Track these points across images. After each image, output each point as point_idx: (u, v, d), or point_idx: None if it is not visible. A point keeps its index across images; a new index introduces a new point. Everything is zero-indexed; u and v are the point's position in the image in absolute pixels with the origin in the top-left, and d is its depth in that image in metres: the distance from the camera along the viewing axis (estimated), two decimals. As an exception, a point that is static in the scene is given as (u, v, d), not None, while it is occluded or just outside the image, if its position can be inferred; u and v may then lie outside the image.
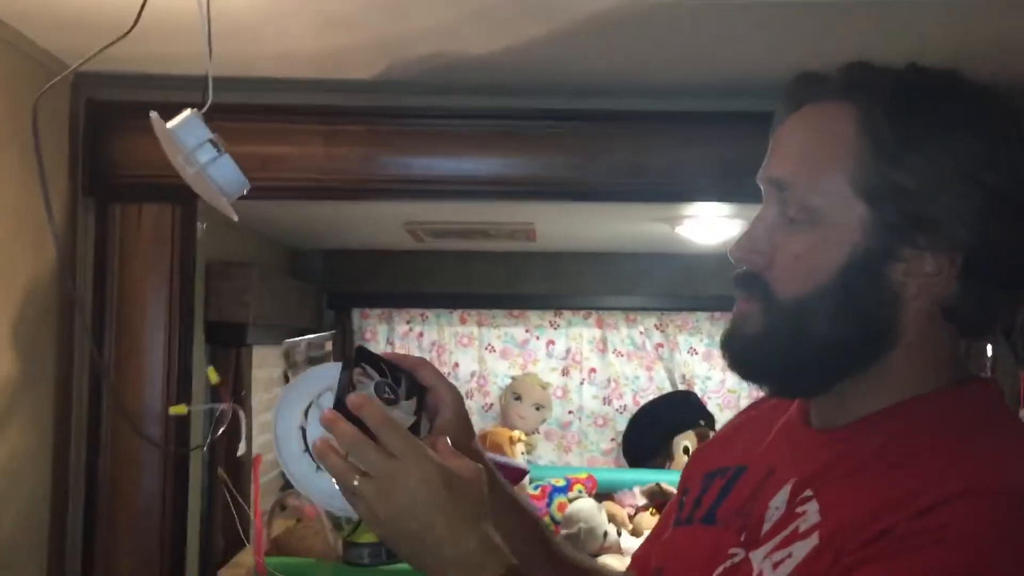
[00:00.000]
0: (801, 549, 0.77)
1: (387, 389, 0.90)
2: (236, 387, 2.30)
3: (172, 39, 1.65)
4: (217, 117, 1.96)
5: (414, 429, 0.89)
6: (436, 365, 3.33)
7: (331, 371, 0.94)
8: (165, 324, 2.03)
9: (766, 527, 0.83)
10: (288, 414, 0.92)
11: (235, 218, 1.14)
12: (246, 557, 1.97)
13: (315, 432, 0.88)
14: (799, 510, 0.80)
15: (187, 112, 1.09)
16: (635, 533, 2.55)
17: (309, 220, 2.72)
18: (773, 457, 0.90)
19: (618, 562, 2.30)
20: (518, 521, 1.00)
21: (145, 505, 1.99)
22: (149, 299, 2.03)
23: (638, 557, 1.11)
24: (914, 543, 0.71)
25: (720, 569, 0.84)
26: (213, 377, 1.27)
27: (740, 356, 0.88)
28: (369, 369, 0.91)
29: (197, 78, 1.90)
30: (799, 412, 0.92)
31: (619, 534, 2.50)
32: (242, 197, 2.14)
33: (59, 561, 1.94)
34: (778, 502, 0.83)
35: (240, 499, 2.29)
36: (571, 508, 2.50)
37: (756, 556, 0.81)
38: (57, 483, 1.92)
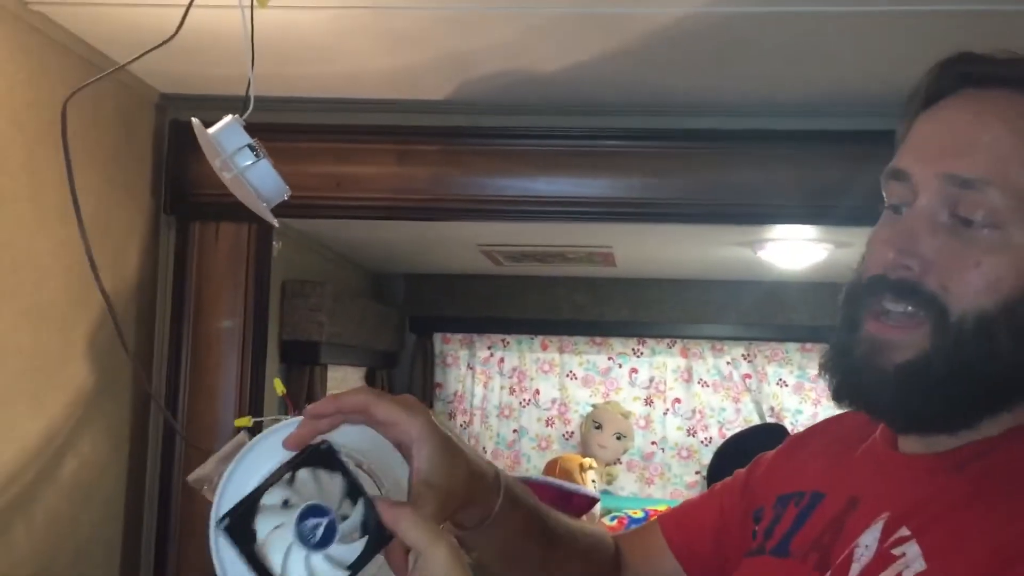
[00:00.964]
0: None
1: (316, 521, 0.67)
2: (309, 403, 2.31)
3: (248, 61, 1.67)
4: (292, 138, 2.01)
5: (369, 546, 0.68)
6: (517, 392, 3.28)
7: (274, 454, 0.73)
8: (239, 340, 2.06)
9: (855, 568, 0.74)
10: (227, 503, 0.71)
11: (276, 224, 1.14)
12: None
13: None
14: (896, 552, 0.72)
15: (228, 118, 1.09)
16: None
17: (387, 242, 2.73)
18: (856, 486, 0.82)
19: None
20: (515, 523, 0.89)
21: (215, 520, 2.00)
22: (224, 315, 2.06)
23: (667, 519, 1.04)
24: None
25: None
26: (279, 388, 1.26)
27: (878, 388, 0.74)
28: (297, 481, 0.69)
29: (278, 99, 1.95)
30: (885, 436, 0.84)
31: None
32: (318, 216, 2.18)
33: (132, 571, 1.97)
34: (868, 540, 0.75)
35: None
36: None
37: None
38: (131, 494, 1.96)
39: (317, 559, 0.67)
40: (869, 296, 0.76)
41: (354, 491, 0.69)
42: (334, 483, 0.69)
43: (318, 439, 0.71)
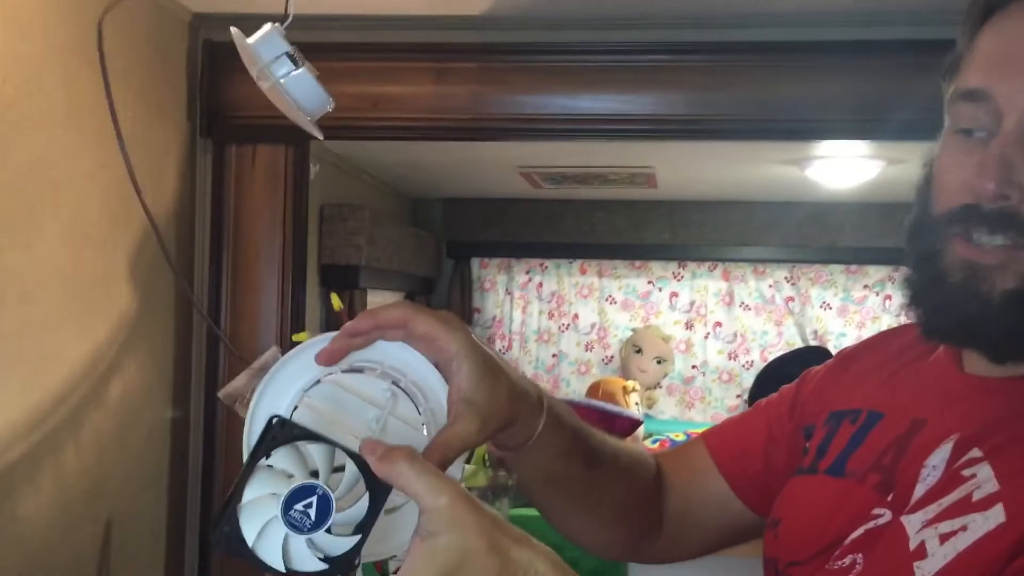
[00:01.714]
0: (980, 523, 0.66)
1: (305, 503, 0.62)
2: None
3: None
4: (327, 56, 1.96)
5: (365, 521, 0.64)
6: (556, 316, 3.27)
7: (307, 369, 0.71)
8: (279, 265, 2.05)
9: (920, 489, 0.72)
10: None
11: (320, 136, 1.11)
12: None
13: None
14: (966, 473, 0.70)
15: (267, 26, 1.06)
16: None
17: (425, 165, 2.69)
18: (920, 407, 0.79)
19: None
20: (558, 444, 0.86)
21: (260, 442, 2.02)
22: (263, 240, 2.05)
23: (712, 436, 1.02)
24: None
25: (861, 531, 0.75)
26: (337, 303, 1.24)
27: (982, 316, 0.70)
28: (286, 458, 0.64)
29: (313, 16, 1.90)
30: (949, 356, 0.80)
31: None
32: (354, 138, 2.15)
33: (180, 495, 2.00)
34: (936, 461, 0.73)
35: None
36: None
37: (911, 522, 0.70)
38: (177, 416, 1.98)
39: (321, 538, 0.63)
40: (952, 226, 0.72)
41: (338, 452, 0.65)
42: (317, 449, 0.65)
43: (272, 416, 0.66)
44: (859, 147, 2.25)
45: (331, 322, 2.24)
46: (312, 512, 0.62)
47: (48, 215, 1.51)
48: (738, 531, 0.99)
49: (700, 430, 2.84)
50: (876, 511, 0.75)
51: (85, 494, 1.64)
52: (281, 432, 0.64)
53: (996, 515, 0.65)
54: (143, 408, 1.84)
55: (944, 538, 0.67)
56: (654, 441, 2.83)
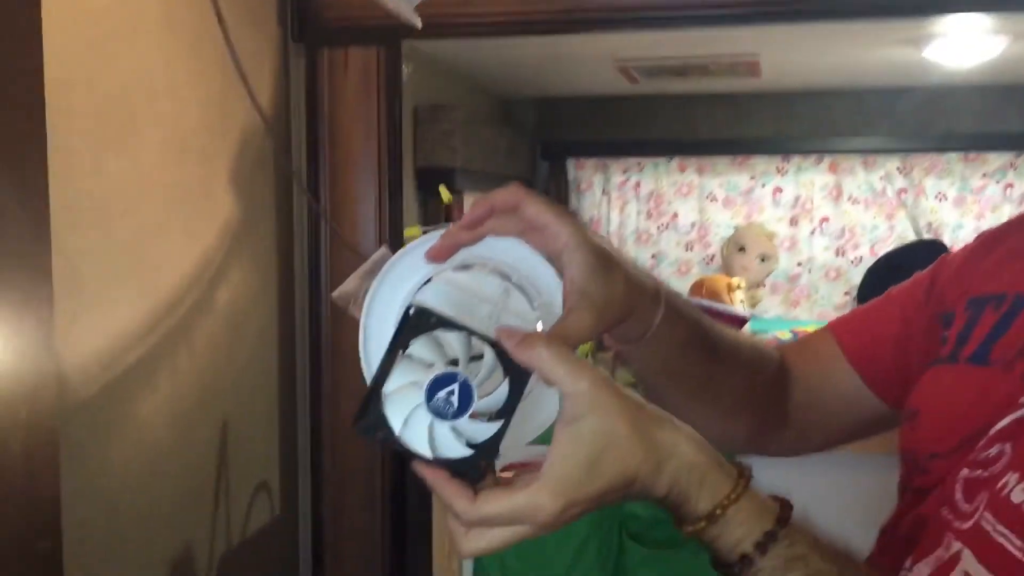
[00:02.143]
0: None
1: (447, 390, 0.62)
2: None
3: None
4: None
5: (509, 404, 0.63)
6: (655, 216, 3.22)
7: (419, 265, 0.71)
8: (375, 169, 2.04)
9: None
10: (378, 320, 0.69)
11: (418, 24, 1.06)
12: (461, 398, 2.00)
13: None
14: None
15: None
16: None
17: (518, 62, 2.62)
18: None
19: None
20: (676, 336, 0.82)
21: (364, 345, 2.05)
22: (359, 144, 2.03)
23: (841, 325, 0.96)
24: None
25: (1008, 420, 0.70)
26: (446, 195, 1.22)
27: None
28: (423, 346, 0.64)
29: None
30: None
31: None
32: (446, 36, 2.10)
33: (290, 395, 2.05)
34: None
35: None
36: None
37: None
38: (283, 323, 2.01)
39: (464, 424, 0.63)
40: None
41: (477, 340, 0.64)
42: (454, 338, 0.64)
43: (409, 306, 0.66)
44: (983, 21, 2.09)
45: (433, 220, 2.23)
46: (455, 399, 0.62)
47: (148, 125, 1.51)
48: (868, 423, 0.95)
49: (807, 328, 2.77)
50: None
51: (200, 397, 1.69)
52: (420, 322, 0.64)
53: None
54: (251, 312, 1.88)
55: None
56: (759, 340, 2.77)
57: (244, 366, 1.85)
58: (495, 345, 0.63)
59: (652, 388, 0.88)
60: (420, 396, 0.62)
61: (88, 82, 1.36)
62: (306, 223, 2.06)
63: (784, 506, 0.65)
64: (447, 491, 0.62)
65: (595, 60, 2.57)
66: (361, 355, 0.70)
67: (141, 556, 1.53)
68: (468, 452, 0.63)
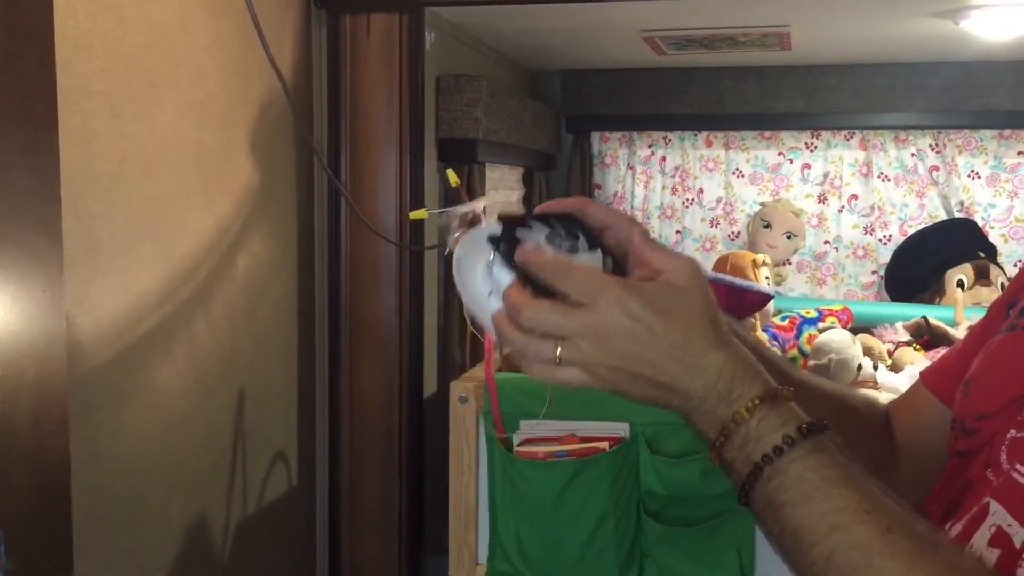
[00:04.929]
0: None
1: (559, 240, 0.72)
2: (472, 198, 2.27)
3: None
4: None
5: None
6: (680, 191, 3.18)
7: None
8: (396, 138, 2.01)
9: None
10: (469, 267, 0.76)
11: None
12: (480, 371, 1.98)
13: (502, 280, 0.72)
14: None
15: None
16: (894, 368, 2.32)
17: (544, 32, 2.58)
18: None
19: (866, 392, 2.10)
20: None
21: (384, 316, 2.03)
22: (380, 112, 2.01)
23: (928, 372, 0.94)
24: None
25: None
26: (453, 179, 1.20)
27: None
28: (537, 225, 0.74)
29: None
30: None
31: (875, 368, 2.28)
32: (467, 3, 2.06)
33: (308, 365, 2.04)
34: None
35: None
36: (821, 338, 2.30)
37: None
38: (302, 292, 2.00)
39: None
40: None
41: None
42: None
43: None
44: (1024, -8, 2.02)
45: (450, 197, 2.20)
46: (564, 244, 0.73)
47: (167, 88, 1.50)
48: None
49: (833, 307, 2.73)
50: None
51: (218, 364, 1.68)
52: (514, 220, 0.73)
53: None
54: (270, 280, 1.87)
55: None
56: (783, 318, 2.73)
57: (263, 335, 1.85)
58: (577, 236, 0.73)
59: None
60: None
61: (104, 43, 1.34)
62: (326, 192, 2.04)
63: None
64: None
65: (622, 31, 2.52)
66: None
67: (156, 522, 1.52)
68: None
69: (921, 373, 0.96)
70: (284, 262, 1.93)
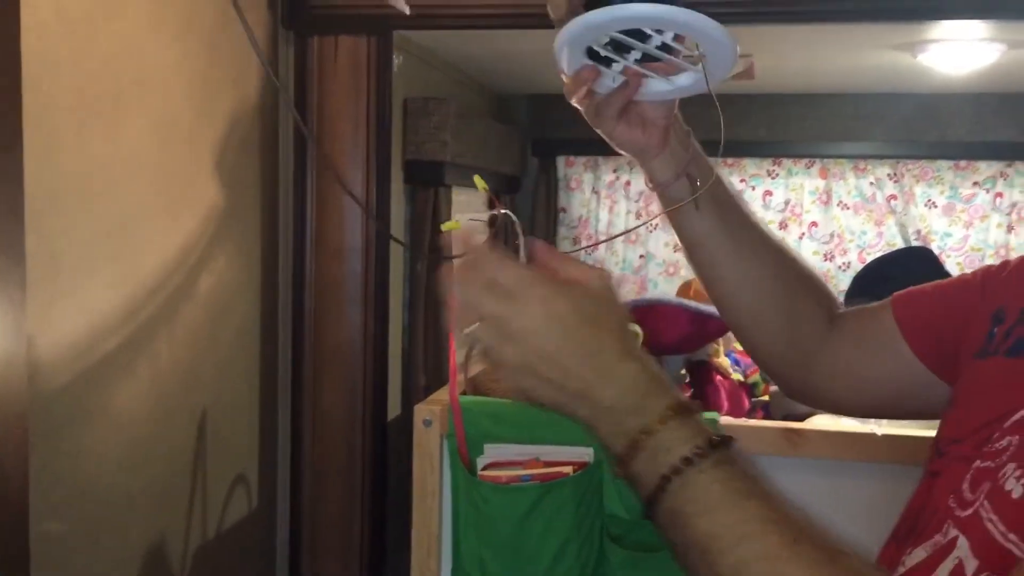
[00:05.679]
0: None
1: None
2: (435, 224, 2.27)
3: None
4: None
5: None
6: (644, 216, 3.20)
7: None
8: (363, 160, 2.01)
9: None
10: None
11: (406, 11, 1.04)
12: (444, 395, 1.98)
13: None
14: None
15: None
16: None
17: (511, 56, 2.60)
18: None
19: (828, 420, 2.13)
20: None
21: (348, 338, 2.02)
22: (347, 134, 2.01)
23: (902, 304, 0.95)
24: None
25: (1020, 415, 0.69)
26: (481, 185, 1.19)
27: None
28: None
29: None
30: None
31: (835, 394, 2.31)
32: (435, 27, 2.07)
33: (271, 386, 2.03)
34: None
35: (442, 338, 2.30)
36: (782, 364, 2.34)
37: None
38: (266, 312, 1.99)
39: None
40: None
41: None
42: None
43: None
44: (979, 28, 2.08)
45: (420, 214, 2.20)
46: None
47: (134, 106, 1.49)
48: (917, 394, 0.94)
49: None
50: None
51: (180, 385, 1.66)
52: None
53: None
54: (233, 301, 1.85)
55: None
56: (745, 343, 2.75)
57: (225, 356, 1.83)
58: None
59: (692, 239, 0.98)
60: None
61: (71, 60, 1.33)
62: (291, 211, 2.03)
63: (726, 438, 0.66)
64: None
65: (588, 57, 2.55)
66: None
67: (115, 546, 1.50)
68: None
69: (892, 299, 0.97)
70: (248, 282, 1.92)
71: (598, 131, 0.98)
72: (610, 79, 0.89)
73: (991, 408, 0.73)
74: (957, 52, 2.20)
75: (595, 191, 3.50)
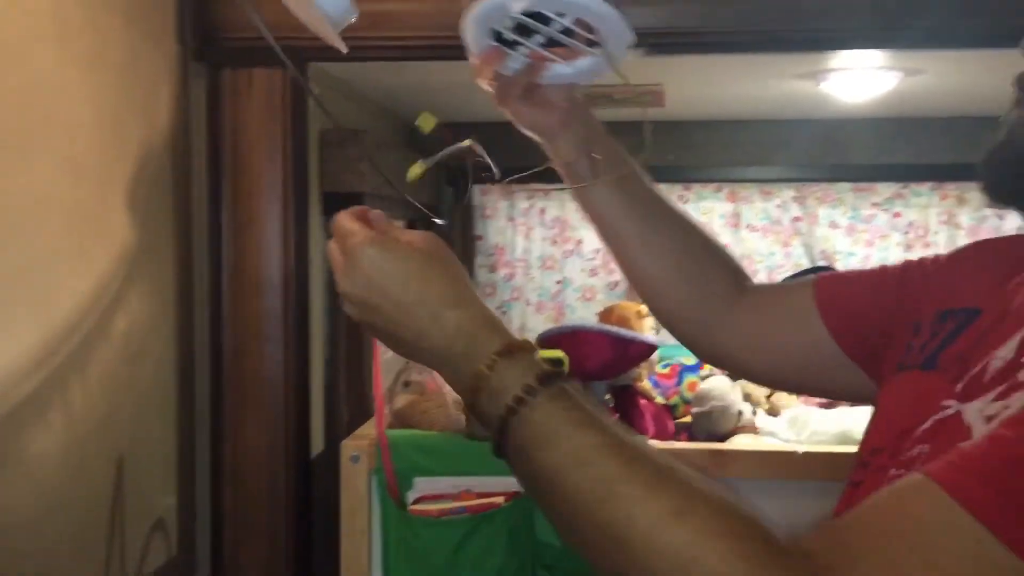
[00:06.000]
0: (1021, 400, 0.64)
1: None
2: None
3: None
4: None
5: None
6: (559, 242, 3.23)
7: None
8: (280, 193, 1.99)
9: (986, 379, 0.71)
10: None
11: (344, 50, 1.04)
12: (369, 429, 1.96)
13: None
14: None
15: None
16: (772, 412, 2.42)
17: (424, 87, 2.61)
18: (1008, 303, 0.77)
19: (753, 441, 2.18)
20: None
21: (269, 374, 1.99)
22: (263, 167, 1.98)
23: (825, 288, 1.00)
24: None
25: (929, 423, 0.73)
26: (429, 123, 1.18)
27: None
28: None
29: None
30: None
31: (754, 413, 2.37)
32: (354, 59, 2.06)
33: (189, 428, 1.97)
34: (1005, 352, 0.71)
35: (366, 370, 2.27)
36: (703, 386, 2.38)
37: (970, 411, 0.69)
38: (182, 355, 1.93)
39: None
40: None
41: None
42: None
43: None
44: (877, 57, 2.18)
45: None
46: None
47: (41, 143, 1.44)
48: (823, 371, 0.97)
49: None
50: (945, 403, 0.73)
51: (95, 431, 1.60)
52: None
53: None
54: (148, 342, 1.80)
55: (989, 419, 0.65)
56: (664, 365, 2.80)
57: (141, 399, 1.77)
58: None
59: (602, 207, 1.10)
60: None
61: (-25, 99, 1.28)
62: (207, 248, 1.99)
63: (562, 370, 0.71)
64: None
65: (502, 87, 2.57)
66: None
67: (28, 603, 1.43)
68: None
69: (814, 280, 1.01)
70: (164, 322, 1.86)
71: (502, 110, 1.05)
72: (516, 62, 0.94)
73: (906, 418, 0.77)
74: (857, 80, 2.29)
75: (510, 219, 3.52)
